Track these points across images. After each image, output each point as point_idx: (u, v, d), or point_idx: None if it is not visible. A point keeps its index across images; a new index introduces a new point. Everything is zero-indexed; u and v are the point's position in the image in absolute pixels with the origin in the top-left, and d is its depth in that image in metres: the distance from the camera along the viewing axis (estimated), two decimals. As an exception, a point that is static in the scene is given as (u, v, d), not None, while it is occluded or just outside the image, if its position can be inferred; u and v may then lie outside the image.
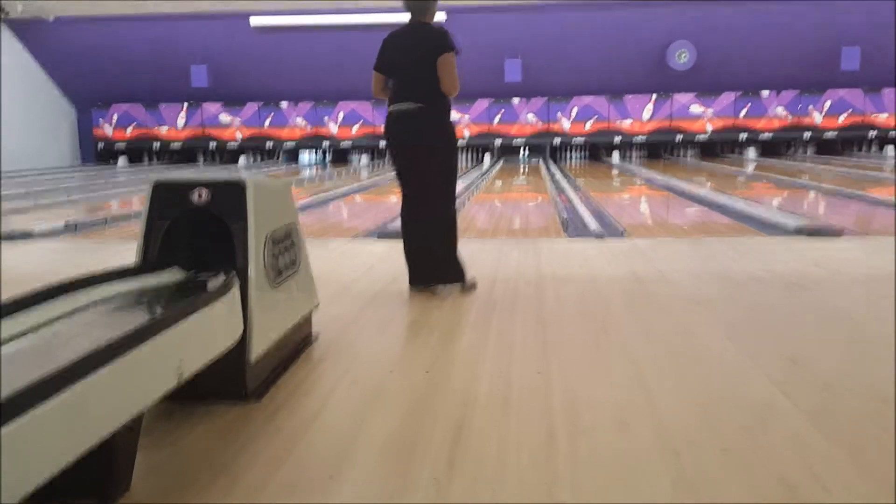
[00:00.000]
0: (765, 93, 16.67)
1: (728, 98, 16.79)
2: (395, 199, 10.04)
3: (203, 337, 1.71)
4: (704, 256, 4.47)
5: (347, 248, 5.09)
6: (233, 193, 2.14)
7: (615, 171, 14.37)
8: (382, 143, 17.78)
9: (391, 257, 4.36)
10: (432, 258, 3.43)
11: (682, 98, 16.87)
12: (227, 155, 18.47)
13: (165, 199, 2.13)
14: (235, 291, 1.96)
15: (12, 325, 1.58)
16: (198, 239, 2.22)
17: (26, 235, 5.87)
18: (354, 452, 1.85)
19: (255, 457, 1.83)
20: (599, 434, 1.91)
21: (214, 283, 1.97)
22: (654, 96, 16.87)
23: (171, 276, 2.07)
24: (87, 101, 18.32)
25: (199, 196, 2.12)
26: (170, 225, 2.11)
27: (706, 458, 1.76)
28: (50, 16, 15.13)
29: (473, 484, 1.66)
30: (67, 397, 1.22)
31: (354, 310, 3.29)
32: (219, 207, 2.13)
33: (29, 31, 16.26)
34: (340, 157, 18.54)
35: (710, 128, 16.90)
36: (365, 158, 18.35)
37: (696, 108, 16.89)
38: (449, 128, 3.45)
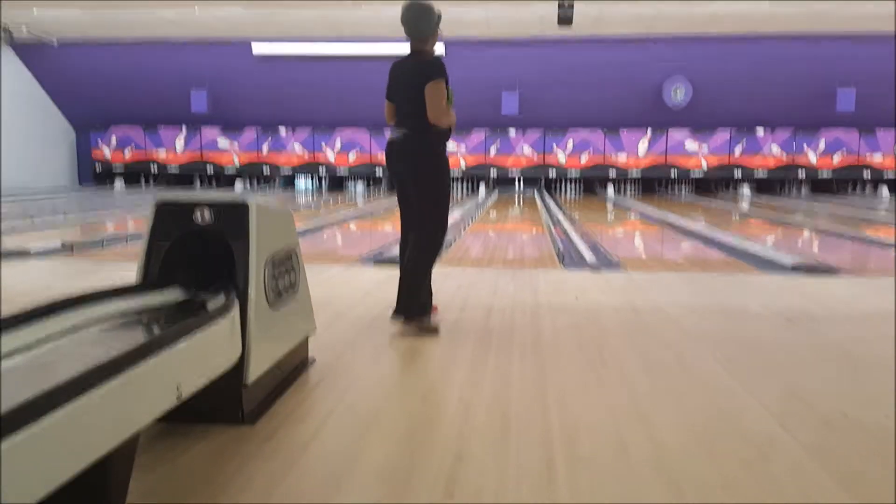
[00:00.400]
0: (760, 131, 16.88)
1: (723, 135, 16.99)
2: (390, 227, 10.08)
3: (203, 357, 1.70)
4: (701, 291, 4.48)
5: (343, 275, 5.08)
6: (235, 214, 2.13)
7: (610, 205, 14.46)
8: (379, 172, 17.90)
9: (387, 284, 4.35)
10: (405, 289, 3.35)
11: (677, 134, 17.06)
12: (225, 179, 18.51)
13: (168, 218, 2.13)
14: (236, 312, 1.95)
15: (11, 340, 1.57)
16: (199, 259, 2.21)
17: (23, 254, 5.84)
18: (351, 479, 1.82)
19: (251, 480, 1.80)
20: (599, 465, 1.89)
21: (215, 303, 1.96)
22: (650, 132, 17.06)
23: (171, 295, 2.06)
24: (87, 122, 18.40)
25: (202, 216, 2.12)
26: (171, 244, 2.10)
27: (707, 491, 1.74)
28: (53, 39, 15.26)
29: (473, 512, 1.63)
30: (64, 414, 1.20)
31: (350, 336, 3.27)
32: (221, 227, 2.13)
33: (32, 54, 16.38)
34: (337, 184, 18.61)
35: (705, 164, 17.07)
36: (361, 186, 18.42)
37: (691, 145, 17.07)
38: (436, 157, 3.33)
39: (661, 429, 2.15)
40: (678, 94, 16.10)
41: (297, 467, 1.89)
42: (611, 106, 16.66)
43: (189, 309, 1.96)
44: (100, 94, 17.47)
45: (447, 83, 3.24)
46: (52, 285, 4.45)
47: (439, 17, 3.30)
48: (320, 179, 18.79)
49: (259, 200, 2.26)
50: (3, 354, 1.47)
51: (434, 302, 3.42)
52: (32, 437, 1.13)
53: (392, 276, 4.34)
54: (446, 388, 2.60)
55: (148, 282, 2.07)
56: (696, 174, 17.17)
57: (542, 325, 3.52)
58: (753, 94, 16.04)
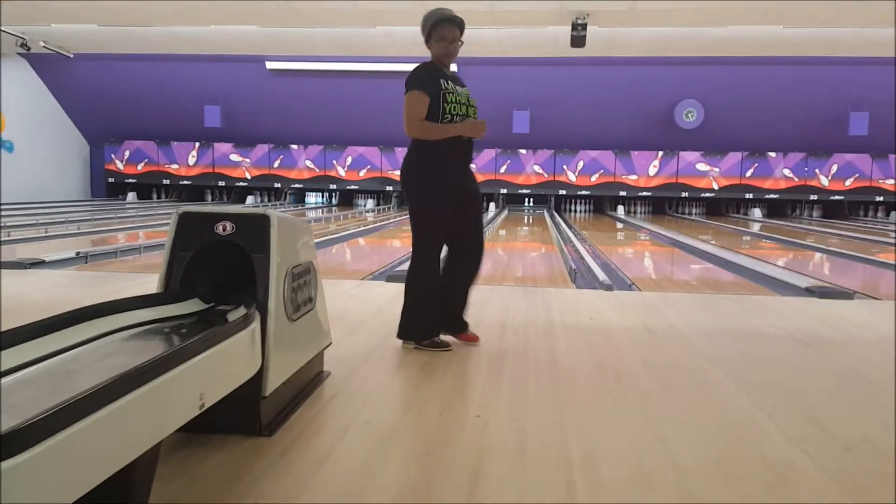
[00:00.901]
0: (771, 154, 16.87)
1: (734, 158, 17.00)
2: (398, 243, 10.10)
3: (225, 367, 1.70)
4: (715, 312, 4.45)
5: (355, 290, 5.08)
6: (257, 226, 2.14)
7: (620, 225, 14.44)
8: (389, 188, 17.97)
9: (401, 299, 4.35)
10: (403, 309, 3.31)
11: (688, 156, 17.08)
12: (236, 194, 18.62)
13: (190, 229, 2.14)
14: (256, 324, 1.95)
15: (35, 348, 1.57)
16: (219, 270, 2.22)
17: (37, 264, 5.87)
18: (369, 494, 1.81)
19: (267, 493, 1.79)
20: (619, 488, 1.87)
21: (235, 315, 1.96)
22: (661, 153, 17.08)
23: (192, 305, 2.07)
24: (100, 136, 18.58)
25: (224, 228, 2.13)
26: (193, 255, 2.11)
27: (730, 515, 1.72)
28: (70, 52, 15.46)
29: (492, 531, 1.62)
30: (91, 423, 1.20)
31: (364, 350, 3.27)
32: (242, 239, 2.14)
33: (48, 67, 16.58)
34: (347, 199, 18.69)
35: (716, 186, 17.06)
36: (371, 202, 18.49)
37: (702, 167, 17.08)
38: (414, 172, 3.16)
39: (680, 452, 2.13)
40: (690, 116, 16.13)
41: (314, 482, 1.88)
42: (622, 127, 16.71)
43: (210, 319, 1.96)
44: (114, 109, 17.65)
45: (430, 91, 3.04)
46: (68, 295, 4.47)
47: (433, 23, 3.13)
48: (330, 195, 18.88)
49: (280, 214, 2.27)
50: (29, 361, 1.47)
51: (472, 330, 3.42)
52: (59, 446, 1.13)
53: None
54: (463, 404, 2.59)
55: (169, 291, 2.08)
56: (707, 195, 17.16)
57: (556, 344, 3.51)
58: (766, 118, 16.07)
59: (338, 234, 10.31)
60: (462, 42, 3.21)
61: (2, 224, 9.88)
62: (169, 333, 1.85)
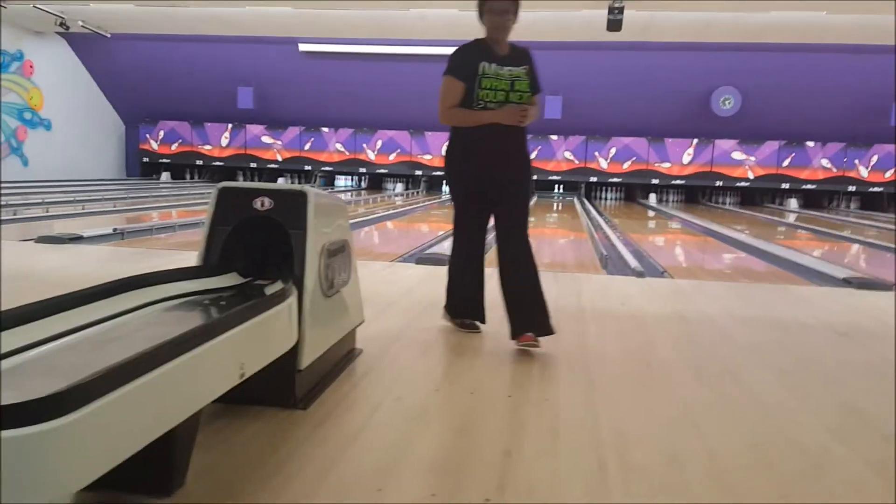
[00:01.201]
0: (810, 144, 16.52)
1: (771, 147, 16.68)
2: (426, 227, 10.11)
3: (264, 339, 1.72)
4: (749, 301, 4.39)
5: (386, 271, 5.11)
6: (295, 202, 2.16)
7: (651, 213, 14.28)
8: (418, 172, 17.97)
9: (429, 281, 4.36)
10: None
11: (724, 144, 16.80)
12: (267, 175, 18.78)
13: (229, 204, 2.16)
14: (293, 299, 1.97)
15: (78, 317, 1.61)
16: (257, 245, 2.25)
17: (76, 239, 6.00)
18: (401, 468, 1.82)
19: (303, 464, 1.82)
20: (652, 472, 1.86)
21: (273, 289, 1.98)
22: (695, 141, 16.83)
23: (230, 279, 2.10)
24: (136, 116, 18.84)
25: (262, 203, 2.15)
26: (232, 229, 2.14)
27: (765, 501, 1.70)
28: (107, 32, 15.66)
29: (525, 508, 1.62)
30: (135, 388, 1.23)
31: (395, 330, 3.28)
32: (280, 215, 2.16)
33: (86, 46, 16.83)
34: (376, 183, 18.74)
35: (751, 175, 16.77)
36: (400, 186, 18.52)
37: (737, 155, 16.79)
38: (447, 157, 3.11)
39: (713, 438, 2.11)
40: (727, 103, 15.85)
41: (348, 455, 1.90)
42: (656, 114, 16.48)
43: (248, 293, 1.99)
44: (149, 89, 17.88)
45: (464, 76, 2.90)
46: (106, 269, 4.56)
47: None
48: (360, 178, 18.95)
49: (317, 191, 2.28)
50: (71, 330, 1.51)
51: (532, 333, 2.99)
52: (103, 409, 1.15)
53: (436, 273, 4.36)
54: (494, 384, 2.60)
55: (208, 265, 2.11)
56: (742, 184, 16.87)
57: (587, 330, 3.49)
58: (805, 106, 15.72)
59: (367, 217, 10.35)
60: (515, 16, 2.99)
61: (42, 200, 10.10)
62: (209, 305, 1.88)
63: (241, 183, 2.23)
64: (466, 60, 2.94)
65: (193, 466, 1.62)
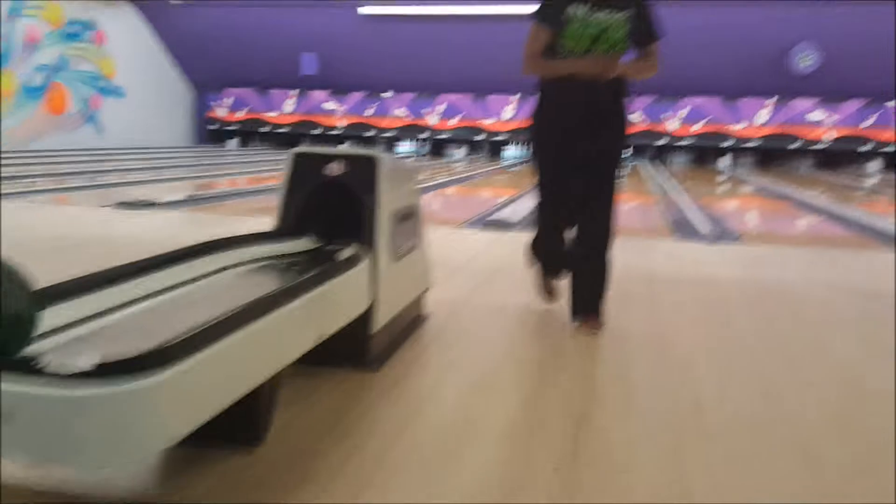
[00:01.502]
0: (889, 104, 15.59)
1: (852, 106, 15.81)
2: (487, 194, 10.04)
3: (340, 302, 1.75)
4: (830, 267, 4.21)
5: (451, 237, 5.11)
6: (367, 167, 2.17)
7: (723, 177, 13.82)
8: (479, 137, 17.82)
9: (496, 247, 4.35)
10: None
11: (802, 103, 16.02)
12: (330, 141, 18.97)
13: (304, 169, 2.19)
14: (366, 263, 1.99)
15: (165, 278, 1.66)
16: (328, 211, 2.27)
17: (150, 205, 6.21)
18: (474, 432, 1.83)
19: (375, 424, 1.85)
20: (731, 439, 1.82)
21: (346, 253, 2.00)
22: (772, 100, 16.10)
23: (305, 244, 2.13)
24: (204, 83, 19.24)
25: (335, 168, 2.16)
26: (306, 194, 2.17)
27: (849, 471, 1.65)
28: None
29: (601, 476, 1.61)
30: (221, 348, 1.27)
31: (463, 295, 3.28)
32: (352, 180, 2.17)
33: (155, 14, 17.21)
34: (437, 148, 18.69)
35: (830, 136, 15.98)
36: (462, 152, 18.42)
37: (816, 115, 15.99)
38: (531, 114, 2.88)
39: (795, 407, 2.04)
40: (806, 60, 15.07)
41: (419, 418, 1.93)
42: (730, 72, 15.79)
43: (324, 257, 2.02)
44: (216, 56, 18.19)
45: (552, 22, 2.61)
46: (181, 234, 4.72)
47: None
48: (421, 143, 18.94)
49: (389, 155, 2.28)
50: (155, 292, 1.56)
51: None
52: (198, 365, 1.19)
53: (502, 239, 4.32)
54: (564, 351, 2.57)
55: (284, 229, 2.14)
56: (820, 146, 16.10)
57: (659, 296, 3.42)
58: (889, 64, 14.78)
59: (428, 184, 10.36)
60: None
61: (117, 167, 10.48)
62: (285, 269, 1.91)
63: (314, 148, 2.24)
64: (555, 6, 2.62)
65: (275, 422, 1.67)
